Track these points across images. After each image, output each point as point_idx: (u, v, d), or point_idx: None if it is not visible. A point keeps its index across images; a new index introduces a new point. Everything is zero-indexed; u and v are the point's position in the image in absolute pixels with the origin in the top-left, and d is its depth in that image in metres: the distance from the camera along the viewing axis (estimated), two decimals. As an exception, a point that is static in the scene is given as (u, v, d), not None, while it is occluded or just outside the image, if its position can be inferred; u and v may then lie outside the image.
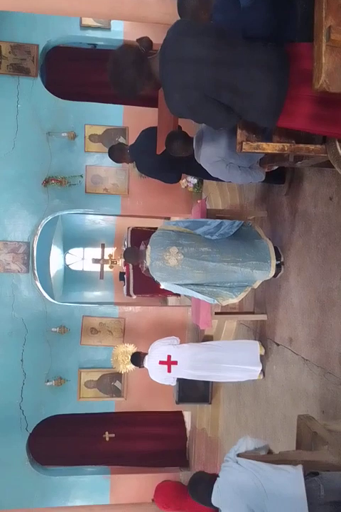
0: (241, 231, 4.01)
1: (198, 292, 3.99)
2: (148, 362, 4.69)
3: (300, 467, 2.36)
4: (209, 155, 3.46)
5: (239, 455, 2.71)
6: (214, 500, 2.52)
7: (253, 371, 4.54)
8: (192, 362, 4.61)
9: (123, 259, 8.63)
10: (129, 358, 4.84)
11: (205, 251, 3.86)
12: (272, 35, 2.51)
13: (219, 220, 4.02)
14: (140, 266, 4.13)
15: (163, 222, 6.97)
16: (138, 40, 2.43)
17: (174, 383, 4.87)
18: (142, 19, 4.50)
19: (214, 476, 2.60)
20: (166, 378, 4.71)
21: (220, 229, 3.93)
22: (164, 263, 3.84)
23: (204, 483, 2.63)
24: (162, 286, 4.18)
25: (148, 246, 3.93)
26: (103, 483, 6.78)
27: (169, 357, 4.61)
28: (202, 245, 3.88)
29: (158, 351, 4.68)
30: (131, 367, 4.91)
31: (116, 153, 4.54)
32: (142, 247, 4.04)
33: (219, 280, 3.95)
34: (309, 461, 2.51)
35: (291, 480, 2.31)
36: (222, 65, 2.21)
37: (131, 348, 4.94)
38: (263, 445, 2.84)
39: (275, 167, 3.73)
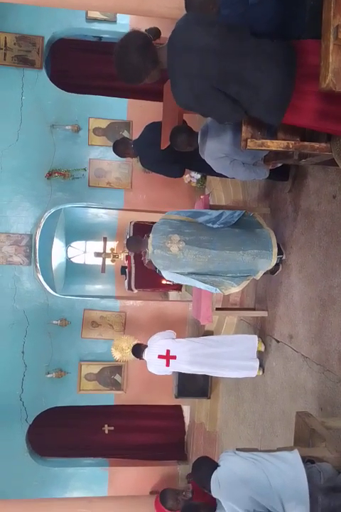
0: (243, 221, 4.01)
1: (200, 281, 3.98)
2: (148, 355, 4.71)
3: (296, 451, 2.42)
4: (214, 151, 3.46)
5: (237, 449, 2.75)
6: (213, 490, 2.52)
7: (250, 367, 4.57)
8: (191, 357, 4.64)
9: (125, 254, 8.64)
10: (130, 348, 4.87)
11: (207, 239, 3.86)
12: (279, 32, 2.51)
13: (220, 210, 4.04)
14: (142, 258, 4.13)
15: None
16: (147, 29, 2.43)
17: (170, 373, 4.90)
18: (147, 13, 4.49)
19: (218, 465, 2.61)
20: (164, 371, 4.74)
21: (221, 218, 3.93)
22: (166, 251, 3.84)
23: (207, 466, 2.64)
24: (164, 276, 4.16)
25: (150, 234, 3.93)
26: (101, 475, 6.82)
27: (168, 351, 4.63)
28: (203, 233, 3.89)
29: (157, 345, 4.69)
30: (131, 356, 4.92)
31: (120, 147, 4.53)
32: (144, 237, 4.05)
33: (222, 269, 3.94)
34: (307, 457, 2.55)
35: (291, 464, 2.35)
36: (230, 54, 2.21)
37: (133, 340, 4.98)
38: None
39: (280, 164, 3.73)
